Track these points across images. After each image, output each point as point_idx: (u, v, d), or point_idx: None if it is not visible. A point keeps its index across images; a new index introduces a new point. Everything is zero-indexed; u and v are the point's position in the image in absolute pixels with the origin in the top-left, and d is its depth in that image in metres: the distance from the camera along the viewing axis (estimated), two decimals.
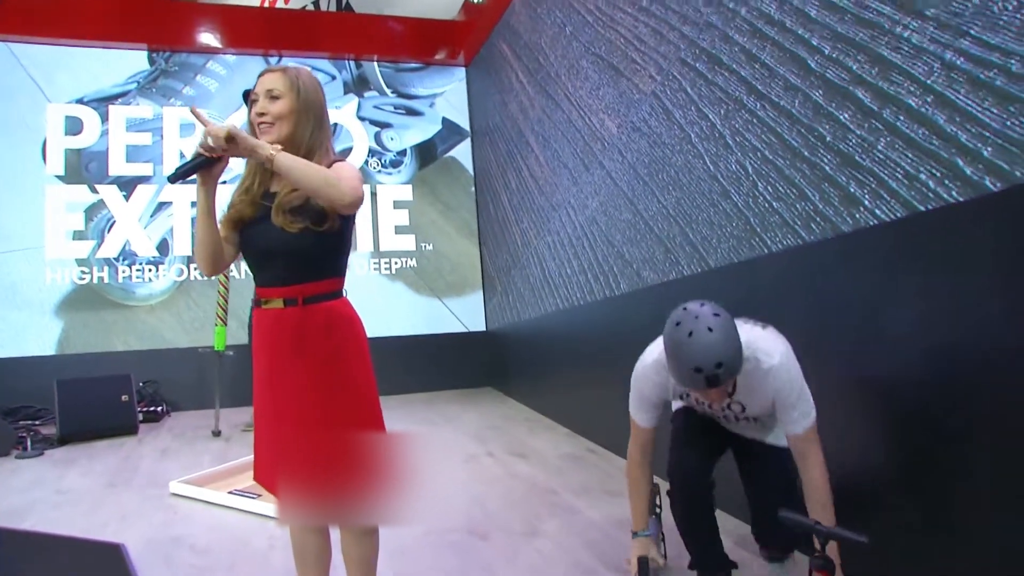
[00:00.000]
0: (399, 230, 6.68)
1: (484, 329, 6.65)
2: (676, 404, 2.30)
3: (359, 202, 1.54)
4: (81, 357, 5.70)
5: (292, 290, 1.61)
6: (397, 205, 6.71)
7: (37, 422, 5.18)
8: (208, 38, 6.46)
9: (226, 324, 4.85)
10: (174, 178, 1.56)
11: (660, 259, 3.33)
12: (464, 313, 6.71)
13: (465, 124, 6.96)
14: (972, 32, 1.86)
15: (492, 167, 6.33)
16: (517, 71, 5.24)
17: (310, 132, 1.65)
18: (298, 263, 1.60)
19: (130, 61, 6.29)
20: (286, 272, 1.61)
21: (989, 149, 1.82)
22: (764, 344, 1.92)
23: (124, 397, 4.88)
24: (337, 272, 1.66)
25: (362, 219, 6.57)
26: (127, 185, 6.07)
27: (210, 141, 1.52)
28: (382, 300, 6.50)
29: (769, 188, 2.62)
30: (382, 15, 7.26)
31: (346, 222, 1.64)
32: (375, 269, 6.55)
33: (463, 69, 7.03)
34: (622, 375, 2.25)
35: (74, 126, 6.02)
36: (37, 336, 5.70)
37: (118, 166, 6.09)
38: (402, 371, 6.28)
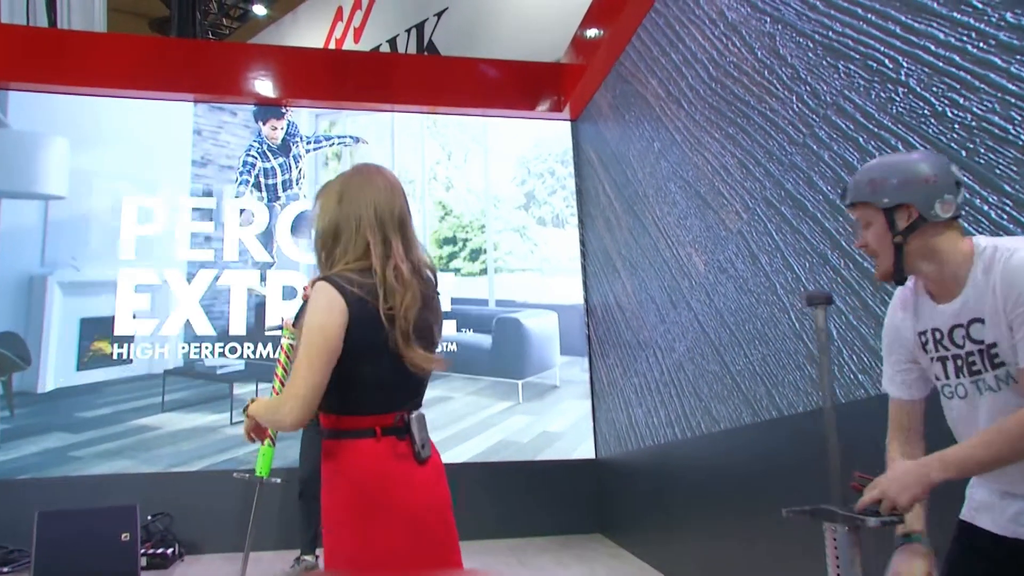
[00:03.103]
0: None
1: (593, 457, 7.14)
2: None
3: (300, 422, 2.03)
4: (75, 481, 6.39)
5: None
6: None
7: (6, 569, 5.62)
8: (263, 87, 7.61)
9: (275, 443, 5.03)
10: None
11: (747, 422, 4.06)
12: (567, 435, 7.28)
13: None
14: None
15: (585, 271, 7.25)
16: (604, 183, 6.20)
17: (322, 256, 2.23)
18: None
19: (172, 113, 7.45)
20: None
21: None
22: (1016, 243, 1.95)
23: (125, 536, 5.29)
24: (331, 409, 2.12)
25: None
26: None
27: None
28: (463, 412, 7.27)
29: (854, 358, 3.33)
30: (472, 58, 8.38)
31: (343, 358, 2.06)
32: (453, 370, 7.36)
33: (568, 123, 7.89)
34: (776, 526, 2.58)
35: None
36: (19, 450, 6.58)
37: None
38: (486, 508, 6.73)
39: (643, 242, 5.48)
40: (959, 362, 2.00)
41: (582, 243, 7.70)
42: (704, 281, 4.56)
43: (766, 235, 3.91)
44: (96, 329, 7.05)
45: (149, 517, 6.19)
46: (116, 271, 7.13)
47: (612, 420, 6.72)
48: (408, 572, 2.09)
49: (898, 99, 3.14)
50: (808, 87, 3.65)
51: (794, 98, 3.75)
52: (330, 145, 7.83)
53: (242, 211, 7.47)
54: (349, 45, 12.11)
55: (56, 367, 6.90)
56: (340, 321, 2.04)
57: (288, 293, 7.28)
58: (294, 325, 2.40)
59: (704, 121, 4.59)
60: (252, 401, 2.25)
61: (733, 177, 4.23)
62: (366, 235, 2.15)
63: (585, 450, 7.24)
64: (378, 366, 2.09)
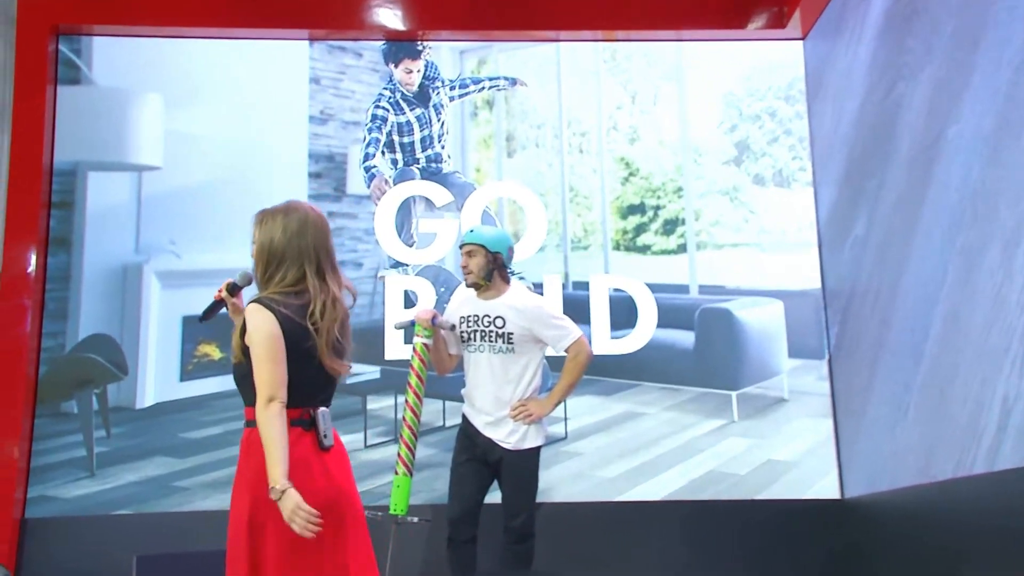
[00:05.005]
0: None
1: (838, 497, 6.67)
2: None
3: (284, 407, 3.00)
4: (180, 517, 6.38)
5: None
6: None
7: None
8: (392, 17, 7.35)
9: (411, 473, 4.93)
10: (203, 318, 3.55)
11: None
12: (801, 465, 6.81)
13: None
14: None
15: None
16: (849, 124, 5.44)
17: (259, 273, 3.22)
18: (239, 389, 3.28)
19: (283, 57, 7.37)
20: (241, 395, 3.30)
21: None
22: None
23: None
24: (253, 403, 3.05)
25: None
26: None
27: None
28: (658, 433, 6.90)
29: None
30: None
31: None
32: (646, 379, 7.03)
33: (797, 43, 7.33)
34: None
35: None
36: (117, 478, 6.59)
37: None
38: (692, 561, 6.39)
39: (912, 206, 4.85)
40: None
41: (817, 208, 7.15)
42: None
43: None
44: (201, 329, 6.96)
45: None
46: (223, 256, 6.98)
47: (865, 447, 6.20)
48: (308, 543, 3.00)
49: None
50: None
51: None
52: (479, 90, 7.57)
53: (371, 177, 7.29)
54: None
55: (157, 377, 6.92)
56: (278, 332, 3.02)
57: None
58: (200, 320, 3.58)
59: None
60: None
61: None
62: (303, 263, 3.15)
63: (826, 487, 6.71)
64: (300, 371, 3.07)
